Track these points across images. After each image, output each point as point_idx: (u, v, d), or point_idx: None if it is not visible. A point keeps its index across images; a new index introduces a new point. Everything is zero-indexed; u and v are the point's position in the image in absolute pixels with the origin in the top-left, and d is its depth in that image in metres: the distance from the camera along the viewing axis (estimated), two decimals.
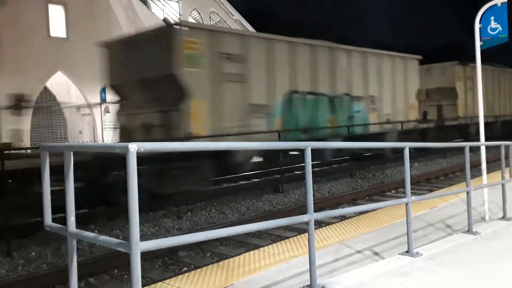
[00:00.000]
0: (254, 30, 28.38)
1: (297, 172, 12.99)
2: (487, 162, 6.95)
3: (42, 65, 18.98)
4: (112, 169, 9.36)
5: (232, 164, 10.69)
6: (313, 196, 3.74)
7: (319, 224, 7.65)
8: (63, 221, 2.86)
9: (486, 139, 6.73)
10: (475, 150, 9.94)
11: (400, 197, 8.44)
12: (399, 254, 4.60)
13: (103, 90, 19.66)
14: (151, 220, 8.56)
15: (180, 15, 25.98)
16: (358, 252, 5.01)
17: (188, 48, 9.88)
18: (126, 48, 11.01)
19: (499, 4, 6.20)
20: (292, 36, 12.59)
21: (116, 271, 6.06)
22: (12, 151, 7.74)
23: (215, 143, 3.15)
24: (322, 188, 11.70)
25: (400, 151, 4.84)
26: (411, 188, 4.80)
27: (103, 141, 19.55)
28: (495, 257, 4.57)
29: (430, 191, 10.95)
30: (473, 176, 7.36)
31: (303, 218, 3.53)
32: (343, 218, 7.78)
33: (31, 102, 19.02)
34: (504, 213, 6.26)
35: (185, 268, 6.11)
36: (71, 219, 2.83)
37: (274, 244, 5.58)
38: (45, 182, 2.98)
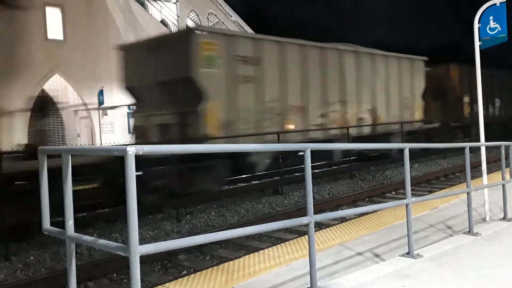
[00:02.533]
0: (252, 31, 28.41)
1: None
2: (487, 163, 6.93)
3: (40, 67, 18.93)
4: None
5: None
6: (313, 198, 3.71)
7: (319, 226, 7.63)
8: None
9: None
10: (475, 151, 9.94)
11: (400, 198, 8.42)
12: (399, 255, 4.58)
13: (101, 93, 19.68)
14: (150, 223, 8.53)
15: (178, 16, 25.97)
16: (359, 254, 4.98)
17: None
18: None
19: (498, 4, 6.19)
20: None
21: (115, 275, 6.03)
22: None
23: (214, 145, 3.13)
24: (322, 190, 11.67)
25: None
26: (411, 189, 4.78)
27: (101, 143, 19.51)
28: (496, 258, 4.55)
29: (431, 192, 10.93)
30: (473, 177, 7.34)
31: (303, 220, 3.50)
32: (343, 220, 7.76)
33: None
34: (505, 214, 6.24)
35: (185, 272, 6.09)
36: (70, 222, 2.81)
37: (274, 247, 5.56)
38: (43, 185, 2.96)
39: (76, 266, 2.92)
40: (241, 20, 30.33)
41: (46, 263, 6.56)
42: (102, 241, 2.68)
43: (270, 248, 5.53)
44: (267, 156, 11.51)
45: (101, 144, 19.27)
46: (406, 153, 4.59)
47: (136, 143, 10.70)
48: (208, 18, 28.58)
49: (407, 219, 4.55)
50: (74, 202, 2.75)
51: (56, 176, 3.03)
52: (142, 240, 7.16)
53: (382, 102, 15.98)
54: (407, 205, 4.55)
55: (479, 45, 6.32)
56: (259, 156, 11.20)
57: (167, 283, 4.46)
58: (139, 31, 20.53)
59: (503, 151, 6.66)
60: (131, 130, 12.93)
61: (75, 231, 2.83)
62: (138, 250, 2.35)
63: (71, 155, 2.88)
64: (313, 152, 3.45)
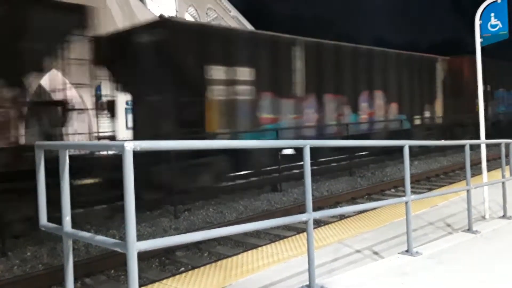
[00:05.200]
0: (252, 27, 28.33)
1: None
2: (487, 160, 6.91)
3: None
4: None
5: None
6: (312, 195, 3.69)
7: (318, 223, 7.60)
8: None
9: None
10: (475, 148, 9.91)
11: (399, 196, 8.41)
12: (398, 253, 4.56)
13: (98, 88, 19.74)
14: (148, 220, 8.51)
15: (176, 11, 25.87)
16: (358, 251, 4.97)
17: None
18: None
19: (499, 1, 6.16)
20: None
21: (112, 271, 6.00)
22: None
23: (210, 141, 3.11)
24: (321, 187, 11.65)
25: None
26: (411, 187, 4.75)
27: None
28: (496, 256, 4.53)
29: (430, 189, 10.91)
30: (473, 175, 7.33)
31: (302, 217, 3.48)
32: (342, 217, 7.73)
33: None
34: (505, 212, 6.23)
35: (183, 268, 6.06)
36: (67, 218, 2.78)
37: (272, 244, 5.54)
38: (40, 181, 2.93)
39: (73, 262, 2.90)
40: (240, 15, 30.23)
41: (43, 259, 6.53)
42: (99, 238, 2.66)
43: (268, 245, 5.51)
44: None
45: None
46: (406, 150, 4.56)
47: None
48: (207, 13, 28.47)
49: (407, 217, 4.52)
50: None
51: None
52: (140, 237, 7.13)
53: None
54: (406, 203, 4.53)
55: (481, 42, 6.29)
56: None
57: (164, 280, 4.44)
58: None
59: (503, 149, 6.64)
60: None
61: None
62: (135, 246, 2.32)
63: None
64: None
